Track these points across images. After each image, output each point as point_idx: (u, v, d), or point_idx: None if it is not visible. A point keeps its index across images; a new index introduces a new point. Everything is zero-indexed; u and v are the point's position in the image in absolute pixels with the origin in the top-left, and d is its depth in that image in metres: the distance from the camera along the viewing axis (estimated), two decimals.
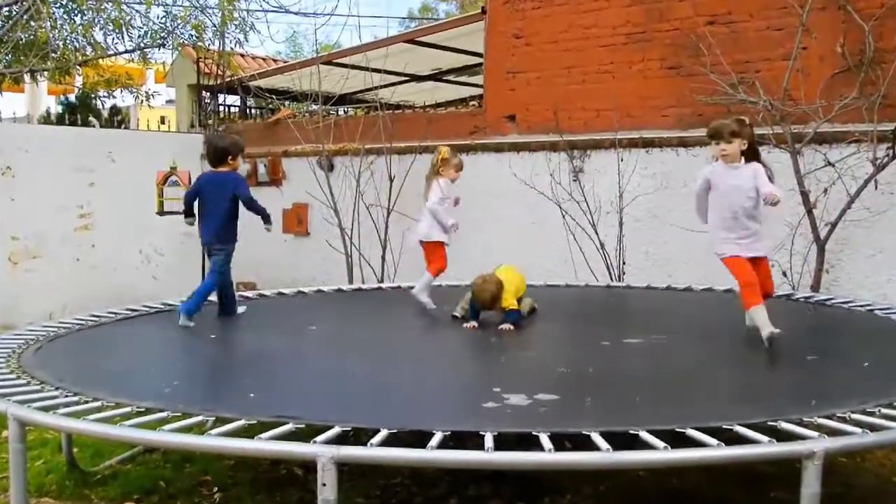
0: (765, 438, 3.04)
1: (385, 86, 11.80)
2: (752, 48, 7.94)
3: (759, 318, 4.86)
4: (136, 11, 11.74)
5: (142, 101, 13.57)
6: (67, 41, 11.83)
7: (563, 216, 8.60)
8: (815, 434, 3.08)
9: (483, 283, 5.65)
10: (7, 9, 11.13)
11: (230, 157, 6.11)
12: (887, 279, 7.23)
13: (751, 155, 5.14)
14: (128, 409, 3.68)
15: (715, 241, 5.22)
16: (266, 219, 6.32)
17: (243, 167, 11.31)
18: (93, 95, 14.46)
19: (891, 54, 7.09)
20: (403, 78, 13.35)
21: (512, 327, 5.57)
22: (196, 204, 6.16)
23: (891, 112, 7.02)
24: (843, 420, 3.28)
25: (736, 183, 5.08)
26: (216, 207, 6.01)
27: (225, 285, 6.21)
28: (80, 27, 11.84)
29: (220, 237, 6.09)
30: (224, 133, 6.14)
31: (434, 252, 6.45)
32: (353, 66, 11.02)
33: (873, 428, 3.21)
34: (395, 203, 9.64)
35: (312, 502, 3.07)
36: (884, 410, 3.41)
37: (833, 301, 6.45)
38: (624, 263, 8.40)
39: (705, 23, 8.10)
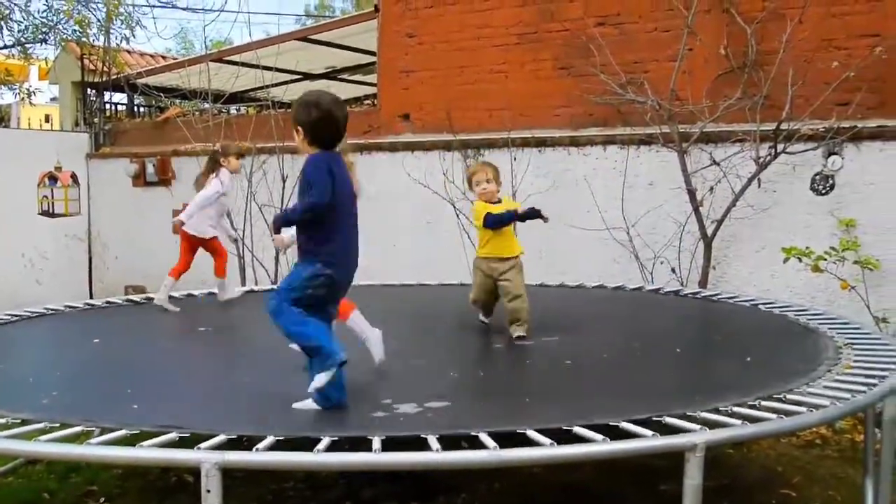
0: (649, 433, 3.09)
1: (277, 84, 11.66)
2: (641, 49, 8.09)
3: None
4: (15, 5, 11.35)
5: (23, 98, 13.08)
6: None
7: (458, 215, 8.62)
8: (698, 427, 3.14)
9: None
10: None
11: None
12: (770, 275, 7.46)
13: None
14: (3, 421, 3.51)
15: None
16: None
17: (131, 167, 11.04)
18: None
19: (772, 56, 7.30)
20: (296, 76, 13.21)
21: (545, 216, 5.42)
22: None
23: (773, 112, 7.24)
24: (725, 413, 3.36)
25: None
26: (355, 212, 4.02)
27: None
28: None
29: None
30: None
31: None
32: (244, 64, 10.86)
33: (754, 420, 3.29)
34: (289, 203, 9.52)
35: None
36: (764, 403, 3.50)
37: (719, 297, 6.61)
38: None
39: (595, 24, 8.22)
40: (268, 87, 11.12)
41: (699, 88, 7.66)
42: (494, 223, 5.30)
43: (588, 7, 8.31)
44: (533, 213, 5.37)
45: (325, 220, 3.72)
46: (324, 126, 3.70)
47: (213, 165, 6.74)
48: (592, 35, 8.11)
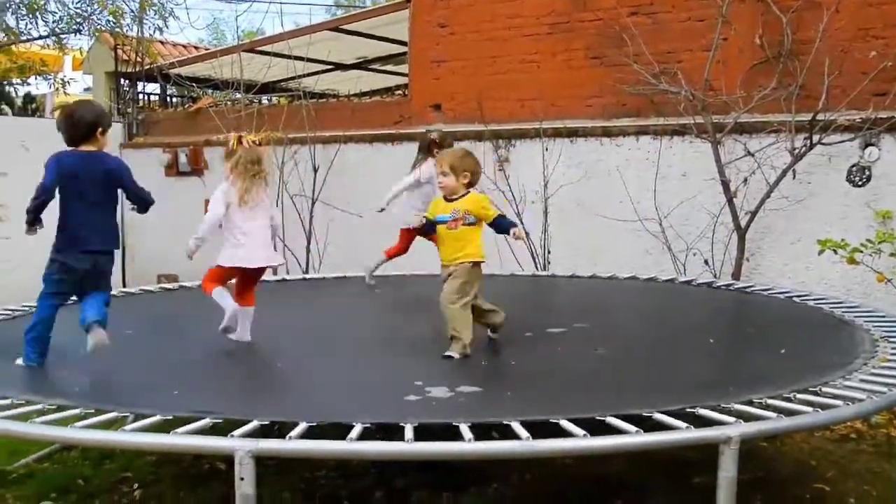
0: (683, 425, 3.06)
1: (309, 74, 11.68)
2: (675, 39, 8.02)
3: None
4: None
5: (58, 88, 13.21)
6: None
7: None
8: (732, 420, 3.11)
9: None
10: None
11: (100, 131, 4.45)
12: (805, 267, 7.39)
13: None
14: (39, 407, 3.53)
15: None
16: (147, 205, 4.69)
17: (163, 156, 11.11)
18: (5, 82, 14.03)
19: (808, 46, 7.22)
20: (328, 66, 13.23)
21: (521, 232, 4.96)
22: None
23: (808, 103, 7.16)
24: (760, 406, 3.32)
25: None
26: (101, 202, 4.40)
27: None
28: None
29: (113, 243, 4.49)
30: (85, 99, 5.06)
31: None
32: (276, 55, 10.88)
33: (788, 413, 3.26)
34: (320, 193, 9.55)
35: (234, 497, 3.00)
36: (799, 396, 3.46)
37: (753, 289, 6.55)
38: (549, 252, 8.44)
39: (628, 13, 8.16)
40: (299, 77, 11.15)
41: (733, 78, 7.58)
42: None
43: None
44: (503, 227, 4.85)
45: (62, 210, 4.31)
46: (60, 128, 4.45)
47: (426, 154, 6.79)
48: (625, 24, 8.05)
